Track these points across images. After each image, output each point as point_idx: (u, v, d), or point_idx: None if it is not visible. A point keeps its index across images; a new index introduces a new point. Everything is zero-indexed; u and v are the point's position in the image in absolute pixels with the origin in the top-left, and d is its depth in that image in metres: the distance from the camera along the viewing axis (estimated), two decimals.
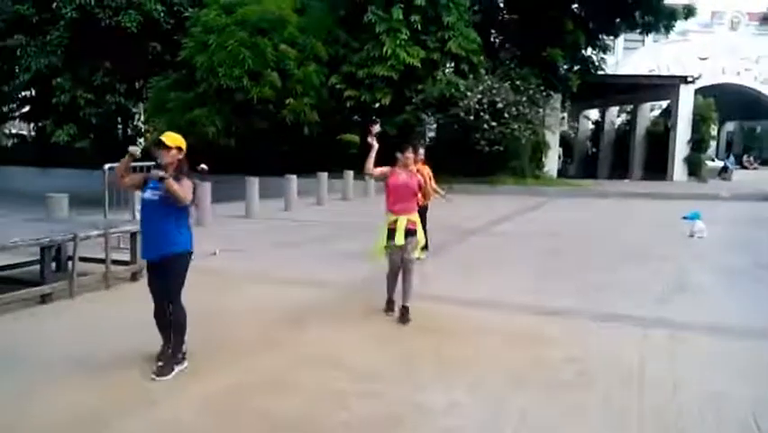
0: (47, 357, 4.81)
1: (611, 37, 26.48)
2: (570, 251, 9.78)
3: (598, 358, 4.92)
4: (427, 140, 20.13)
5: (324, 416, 3.86)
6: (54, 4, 19.87)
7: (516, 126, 20.00)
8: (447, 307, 6.39)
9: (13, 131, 37.45)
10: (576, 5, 23.35)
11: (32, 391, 4.14)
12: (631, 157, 30.97)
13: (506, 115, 19.79)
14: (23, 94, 26.50)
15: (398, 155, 6.01)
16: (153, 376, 4.38)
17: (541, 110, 21.76)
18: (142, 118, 29.05)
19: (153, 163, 4.61)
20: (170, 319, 4.61)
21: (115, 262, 7.48)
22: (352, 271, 7.91)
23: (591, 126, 37.88)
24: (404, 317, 5.78)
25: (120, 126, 28.10)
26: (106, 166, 9.41)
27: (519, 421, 3.82)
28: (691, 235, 11.31)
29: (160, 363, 4.51)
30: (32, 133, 31.75)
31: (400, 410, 3.94)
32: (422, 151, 8.64)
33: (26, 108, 27.76)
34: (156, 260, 4.54)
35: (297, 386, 4.31)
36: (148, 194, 4.55)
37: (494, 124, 19.68)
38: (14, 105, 27.86)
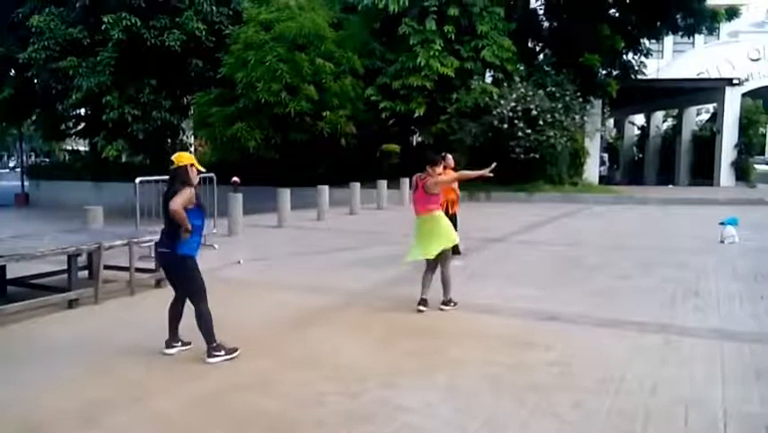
0: (52, 356, 5.26)
1: (653, 41, 25.99)
2: (589, 258, 9.74)
3: (583, 361, 5.01)
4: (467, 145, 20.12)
5: (301, 413, 4.10)
6: (103, 27, 20.85)
7: (551, 133, 19.86)
8: (451, 311, 6.56)
9: (78, 147, 39.25)
10: (613, 11, 23.07)
11: (31, 385, 4.54)
12: (677, 162, 30.28)
13: (540, 123, 19.71)
14: (78, 112, 27.88)
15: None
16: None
17: (578, 116, 21.50)
18: (189, 133, 30.14)
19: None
20: None
21: (141, 270, 7.95)
22: (362, 279, 8.17)
23: (637, 132, 37.14)
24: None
25: (169, 141, 29.22)
26: (137, 180, 9.99)
27: (483, 422, 3.98)
28: (722, 241, 11.12)
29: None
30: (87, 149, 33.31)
31: (373, 408, 4.15)
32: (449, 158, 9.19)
33: (81, 126, 29.13)
34: None
35: (282, 386, 4.58)
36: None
37: (529, 131, 19.61)
38: (71, 123, 29.32)
